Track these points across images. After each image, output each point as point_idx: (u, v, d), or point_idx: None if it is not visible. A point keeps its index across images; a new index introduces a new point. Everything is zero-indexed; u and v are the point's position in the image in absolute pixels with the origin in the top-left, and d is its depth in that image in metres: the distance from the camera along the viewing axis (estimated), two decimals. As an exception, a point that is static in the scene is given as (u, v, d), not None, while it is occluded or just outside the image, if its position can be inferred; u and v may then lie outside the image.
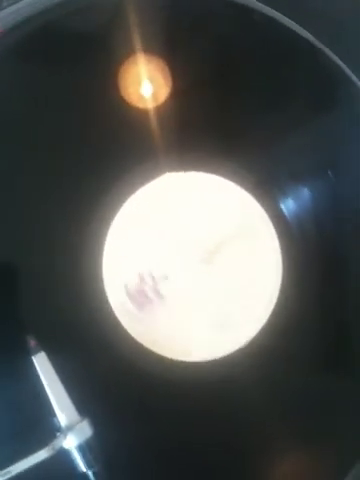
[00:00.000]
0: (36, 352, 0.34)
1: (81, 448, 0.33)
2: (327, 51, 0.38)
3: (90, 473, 0.34)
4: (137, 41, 0.36)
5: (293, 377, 0.39)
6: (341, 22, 0.41)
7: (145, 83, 0.37)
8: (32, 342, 0.34)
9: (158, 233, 0.38)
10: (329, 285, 0.39)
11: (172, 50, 0.37)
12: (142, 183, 0.37)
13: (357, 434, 0.39)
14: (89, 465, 0.33)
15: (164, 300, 0.37)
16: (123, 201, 0.37)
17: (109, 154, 0.37)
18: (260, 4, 0.37)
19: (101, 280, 0.36)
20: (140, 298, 0.37)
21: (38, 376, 0.34)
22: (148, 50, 0.36)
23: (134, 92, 0.37)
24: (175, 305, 0.38)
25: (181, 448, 0.37)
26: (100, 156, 0.37)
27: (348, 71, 0.39)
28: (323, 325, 0.39)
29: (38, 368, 0.34)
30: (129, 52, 0.36)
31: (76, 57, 0.36)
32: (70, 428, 0.33)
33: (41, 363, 0.34)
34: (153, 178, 0.37)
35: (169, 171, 0.38)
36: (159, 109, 0.37)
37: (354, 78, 0.39)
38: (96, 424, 0.34)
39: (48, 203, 0.36)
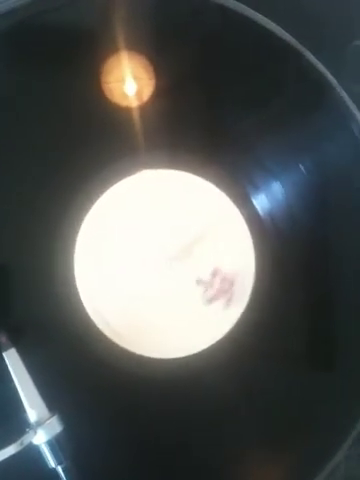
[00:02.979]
0: (7, 348, 0.34)
1: (50, 444, 0.33)
2: (308, 53, 0.38)
3: (59, 469, 0.34)
4: (121, 38, 0.36)
5: (266, 372, 0.39)
6: (322, 24, 0.41)
7: (128, 80, 0.37)
8: (3, 338, 0.34)
9: (131, 229, 0.38)
10: (303, 281, 0.39)
11: (156, 48, 0.36)
12: (118, 179, 0.37)
13: (333, 428, 0.40)
14: (58, 461, 0.34)
15: (136, 297, 0.37)
16: (98, 196, 0.37)
17: (86, 149, 0.36)
18: (243, 6, 0.37)
19: (73, 275, 0.36)
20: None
21: (8, 372, 0.34)
22: (132, 48, 0.36)
23: (117, 89, 0.37)
24: (147, 302, 0.38)
25: (151, 444, 0.37)
26: (77, 151, 0.36)
27: (327, 72, 0.39)
28: (296, 321, 0.39)
29: (8, 364, 0.34)
30: (113, 49, 0.36)
31: (59, 53, 0.35)
32: (40, 424, 0.33)
33: (11, 359, 0.34)
34: (129, 174, 0.37)
35: (145, 168, 0.37)
36: (139, 107, 0.37)
37: (333, 79, 0.39)
38: (66, 420, 0.34)
39: (22, 196, 0.36)
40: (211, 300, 0.38)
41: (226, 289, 0.39)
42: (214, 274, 0.38)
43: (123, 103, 0.37)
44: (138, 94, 0.37)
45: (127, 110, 0.37)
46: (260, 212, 0.39)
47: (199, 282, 0.38)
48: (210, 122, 0.38)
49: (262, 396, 0.39)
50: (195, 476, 0.39)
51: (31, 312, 0.35)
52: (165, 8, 0.37)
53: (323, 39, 0.41)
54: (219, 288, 0.39)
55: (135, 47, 0.36)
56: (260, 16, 0.37)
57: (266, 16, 0.38)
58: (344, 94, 0.40)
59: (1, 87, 0.35)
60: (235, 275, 0.39)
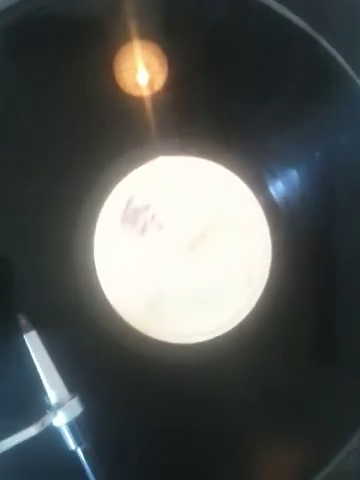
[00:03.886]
0: (27, 330, 0.34)
1: (71, 425, 0.34)
2: (321, 40, 0.39)
3: (79, 450, 0.34)
4: (134, 28, 0.36)
5: (280, 362, 0.39)
6: (335, 11, 0.41)
7: (141, 70, 0.37)
8: (23, 321, 0.34)
9: (150, 215, 0.38)
10: (318, 270, 0.39)
11: (168, 37, 0.37)
12: (135, 166, 0.38)
13: (342, 421, 0.40)
14: (78, 442, 0.34)
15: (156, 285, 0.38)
16: (116, 183, 0.38)
17: (103, 138, 0.37)
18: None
19: (92, 260, 0.37)
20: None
21: (29, 354, 0.34)
22: (145, 37, 0.36)
23: (130, 79, 0.37)
24: (164, 288, 0.38)
25: (169, 427, 0.37)
26: (93, 140, 0.37)
27: (341, 59, 0.39)
28: (313, 310, 0.39)
29: (29, 346, 0.34)
30: (125, 39, 0.36)
31: (72, 43, 0.36)
32: (60, 405, 0.34)
33: (32, 341, 0.34)
34: (146, 162, 0.38)
35: (163, 155, 0.38)
36: (154, 95, 0.37)
37: (347, 66, 0.40)
38: (86, 402, 0.34)
39: (40, 183, 0.36)
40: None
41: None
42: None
43: (136, 92, 0.37)
44: (151, 82, 0.37)
45: (140, 98, 0.37)
46: (276, 198, 0.39)
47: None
48: (225, 109, 0.38)
49: (277, 382, 0.39)
50: (206, 461, 0.39)
51: (51, 295, 0.36)
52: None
53: (339, 30, 0.41)
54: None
55: (147, 36, 0.36)
56: (274, 2, 0.38)
57: (281, 3, 0.38)
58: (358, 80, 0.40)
59: (16, 78, 0.36)
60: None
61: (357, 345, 0.40)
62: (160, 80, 0.38)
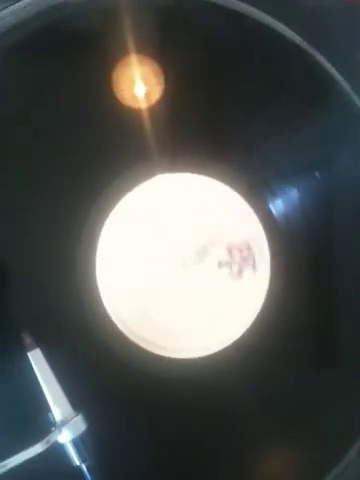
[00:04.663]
0: (31, 348, 0.35)
1: (75, 442, 0.34)
2: (315, 53, 0.39)
3: (84, 467, 0.34)
4: (131, 42, 0.36)
5: (281, 374, 0.40)
6: (328, 24, 0.42)
7: (139, 84, 0.38)
8: (27, 339, 0.35)
9: (149, 233, 0.39)
10: (317, 286, 0.40)
11: (165, 52, 0.37)
12: (134, 184, 0.38)
13: (343, 429, 0.41)
14: (83, 459, 0.34)
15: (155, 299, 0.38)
16: (116, 202, 0.38)
17: (102, 155, 0.37)
18: (250, 7, 0.38)
19: (94, 278, 0.37)
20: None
21: (33, 372, 0.34)
22: (141, 52, 0.37)
23: (128, 93, 0.38)
24: (165, 304, 0.38)
25: (173, 443, 0.38)
26: (93, 157, 0.37)
27: (335, 72, 0.40)
28: (311, 324, 0.40)
29: (33, 364, 0.34)
30: (123, 53, 0.37)
31: (70, 58, 0.36)
32: (65, 423, 0.34)
33: (36, 359, 0.34)
34: (145, 180, 0.38)
35: (161, 173, 0.38)
36: (152, 110, 0.38)
37: (345, 83, 0.40)
38: (90, 419, 0.35)
39: (41, 203, 0.37)
40: (240, 272, 0.39)
41: (247, 256, 0.39)
42: (230, 249, 0.39)
43: (134, 108, 0.38)
44: (147, 98, 0.38)
45: (138, 116, 0.37)
46: (275, 215, 0.40)
47: (221, 264, 0.39)
48: (224, 124, 0.39)
49: (276, 395, 0.40)
50: (213, 473, 0.39)
51: (54, 313, 0.36)
52: (173, 12, 0.37)
53: (334, 45, 0.42)
54: (241, 258, 0.39)
55: (144, 51, 0.37)
56: (268, 17, 0.38)
57: (272, 16, 0.38)
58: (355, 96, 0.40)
59: (12, 94, 0.36)
60: (248, 240, 0.39)
61: (356, 359, 0.40)
62: (157, 94, 0.38)
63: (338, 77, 0.40)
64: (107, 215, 0.38)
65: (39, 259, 0.36)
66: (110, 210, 0.38)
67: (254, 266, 0.39)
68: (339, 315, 0.40)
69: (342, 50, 0.40)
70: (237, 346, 0.39)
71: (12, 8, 0.37)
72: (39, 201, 0.37)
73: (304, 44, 0.39)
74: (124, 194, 0.38)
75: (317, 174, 0.40)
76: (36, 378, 0.34)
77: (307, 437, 0.40)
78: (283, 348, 0.40)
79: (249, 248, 0.39)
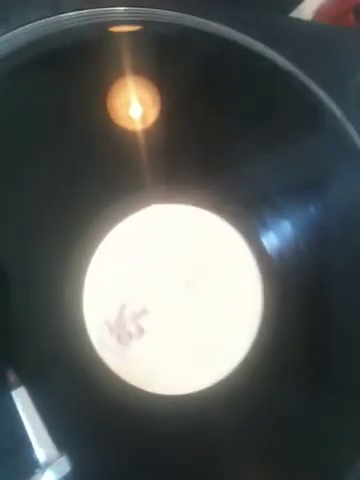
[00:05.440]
0: (16, 387, 0.34)
1: (59, 484, 0.33)
2: (307, 80, 0.39)
3: (68, 508, 0.34)
4: (127, 64, 0.36)
5: (275, 408, 0.39)
6: (319, 48, 0.41)
7: (134, 105, 0.37)
8: (12, 377, 0.34)
9: (140, 265, 0.38)
10: (310, 318, 0.39)
11: (160, 75, 0.37)
12: (127, 214, 0.37)
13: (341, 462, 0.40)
14: (67, 500, 0.34)
15: (144, 334, 0.37)
16: (107, 231, 0.37)
17: (95, 182, 0.36)
18: (244, 36, 0.37)
19: (81, 314, 0.36)
20: (120, 332, 0.37)
21: (17, 411, 0.33)
22: (137, 73, 0.36)
23: (123, 114, 0.37)
24: (155, 338, 0.38)
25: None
26: (86, 183, 0.36)
27: (326, 98, 0.40)
28: (305, 362, 0.39)
29: (17, 403, 0.33)
30: (118, 75, 0.36)
31: (64, 78, 0.35)
32: (48, 464, 0.33)
33: (21, 398, 0.33)
34: (139, 209, 0.37)
35: (155, 203, 0.37)
36: (146, 138, 0.37)
37: (332, 105, 0.40)
38: (75, 459, 0.34)
39: (27, 230, 0.36)
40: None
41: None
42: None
43: (129, 130, 0.37)
44: (143, 120, 0.37)
45: (134, 139, 0.37)
46: (268, 248, 0.39)
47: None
48: (219, 153, 0.38)
49: (270, 430, 0.39)
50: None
51: (39, 350, 0.35)
52: (166, 39, 0.37)
53: (325, 72, 0.41)
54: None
55: (140, 73, 0.36)
56: (260, 45, 0.38)
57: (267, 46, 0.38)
58: (349, 126, 0.40)
59: (7, 115, 0.35)
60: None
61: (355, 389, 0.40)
62: (153, 115, 0.37)
63: (326, 100, 0.39)
64: (96, 245, 0.37)
65: (23, 292, 0.35)
66: (99, 241, 0.37)
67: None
68: (334, 353, 0.40)
69: (333, 75, 0.40)
70: (227, 383, 0.38)
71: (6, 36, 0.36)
72: (23, 229, 0.36)
73: (295, 70, 0.39)
74: (115, 224, 0.37)
75: (311, 207, 0.39)
76: (19, 417, 0.33)
77: (308, 460, 0.40)
78: (275, 385, 0.39)
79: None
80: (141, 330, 0.37)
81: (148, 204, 0.38)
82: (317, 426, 0.40)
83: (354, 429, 0.40)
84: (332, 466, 0.40)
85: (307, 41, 0.41)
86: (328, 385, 0.40)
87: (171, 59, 0.37)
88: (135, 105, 0.38)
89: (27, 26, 0.34)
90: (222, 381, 0.38)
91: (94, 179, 0.37)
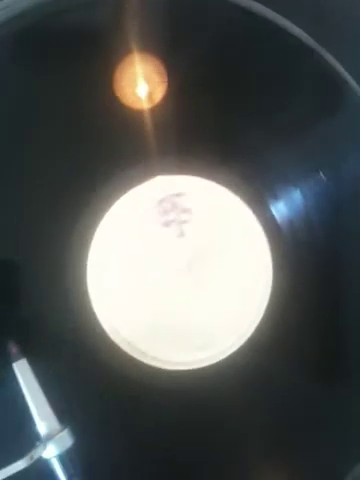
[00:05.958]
0: (17, 359, 0.33)
1: (61, 458, 0.33)
2: (325, 53, 0.37)
3: (70, 483, 0.33)
4: (134, 40, 0.35)
5: (279, 389, 0.38)
6: (338, 22, 0.40)
7: (141, 83, 0.36)
8: (13, 348, 0.33)
9: (146, 237, 0.37)
10: (322, 296, 0.38)
11: (170, 51, 0.36)
12: (133, 185, 0.36)
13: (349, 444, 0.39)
14: (69, 475, 0.33)
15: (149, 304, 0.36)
16: (112, 202, 0.36)
17: (100, 154, 0.36)
18: (260, 5, 0.36)
19: (85, 284, 0.35)
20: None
21: (18, 383, 0.33)
22: (145, 50, 0.35)
23: (130, 92, 0.36)
24: (162, 311, 0.37)
25: (163, 458, 0.36)
26: (91, 156, 0.36)
27: (345, 74, 0.38)
28: (315, 335, 0.38)
29: (19, 375, 0.33)
30: (126, 51, 0.35)
31: (70, 55, 0.35)
32: (50, 437, 0.32)
33: (22, 370, 0.33)
34: (144, 180, 0.36)
35: (161, 174, 0.36)
36: (154, 110, 0.36)
37: (352, 81, 0.38)
38: (78, 433, 0.33)
39: (34, 201, 0.35)
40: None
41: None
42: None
43: (135, 106, 0.36)
44: (150, 97, 0.36)
45: (140, 114, 0.36)
46: (278, 219, 0.38)
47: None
48: (225, 125, 0.37)
49: (279, 406, 0.38)
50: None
51: (42, 321, 0.35)
52: (178, 9, 0.36)
53: (343, 44, 0.40)
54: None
55: (147, 49, 0.35)
56: (278, 16, 0.36)
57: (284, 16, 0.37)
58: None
59: (11, 91, 0.35)
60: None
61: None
62: (159, 93, 0.36)
63: (345, 76, 0.38)
64: (101, 216, 0.36)
65: (26, 263, 0.34)
66: (105, 211, 0.36)
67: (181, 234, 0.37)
68: (344, 325, 0.38)
69: (352, 50, 0.38)
70: (236, 357, 0.37)
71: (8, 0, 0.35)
72: (31, 201, 0.35)
73: (313, 43, 0.37)
74: (121, 195, 0.36)
75: (322, 175, 0.38)
76: (21, 390, 0.33)
77: (308, 454, 0.39)
78: (284, 362, 0.38)
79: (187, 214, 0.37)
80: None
81: (154, 175, 0.37)
82: (323, 411, 0.39)
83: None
84: (335, 455, 0.39)
85: (326, 12, 0.39)
86: (338, 367, 0.38)
87: (181, 32, 0.36)
88: (142, 81, 0.37)
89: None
90: (229, 357, 0.37)
91: (99, 152, 0.36)
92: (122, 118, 0.35)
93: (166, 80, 0.36)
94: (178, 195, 0.37)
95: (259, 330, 0.37)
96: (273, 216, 0.38)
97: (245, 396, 0.37)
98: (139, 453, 0.36)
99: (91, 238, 0.36)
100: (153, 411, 0.35)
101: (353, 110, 0.38)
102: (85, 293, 0.35)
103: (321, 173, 0.37)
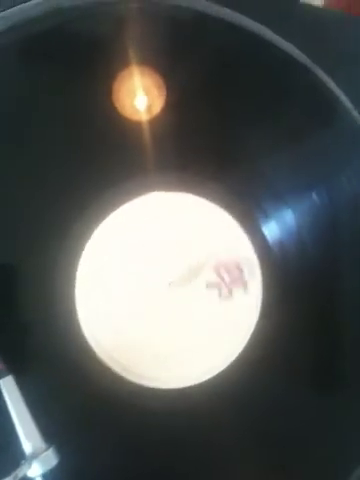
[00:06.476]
0: (3, 375, 0.32)
1: (45, 477, 0.32)
2: (319, 71, 0.37)
3: (54, 502, 0.33)
4: (134, 53, 0.35)
5: (273, 402, 0.38)
6: (330, 38, 0.40)
7: (140, 96, 0.36)
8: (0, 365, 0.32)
9: (137, 252, 0.36)
10: (311, 313, 0.38)
11: (169, 64, 0.36)
12: (127, 200, 0.36)
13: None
14: (54, 494, 0.32)
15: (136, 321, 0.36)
16: (105, 216, 0.36)
17: (96, 166, 0.35)
18: (257, 24, 0.36)
19: (73, 300, 0.35)
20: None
21: (3, 400, 0.32)
22: (145, 63, 0.35)
23: (128, 104, 0.36)
24: (150, 328, 0.36)
25: (149, 475, 0.36)
26: (87, 168, 0.35)
27: (339, 91, 0.38)
28: (305, 352, 0.38)
29: (5, 392, 0.32)
30: (125, 64, 0.35)
31: (70, 66, 0.35)
32: (35, 456, 0.32)
33: (8, 387, 0.32)
34: (138, 196, 0.36)
35: (156, 190, 0.36)
36: (150, 125, 0.36)
37: (345, 100, 0.38)
38: (63, 453, 0.33)
39: (26, 213, 0.35)
40: (230, 293, 0.37)
41: (237, 276, 0.37)
42: (219, 270, 0.37)
43: (134, 119, 0.36)
44: (149, 110, 0.36)
45: (138, 128, 0.36)
46: (269, 239, 0.38)
47: (209, 285, 0.37)
48: (222, 143, 0.37)
49: (272, 422, 0.38)
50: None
51: (29, 338, 0.34)
52: (177, 24, 0.36)
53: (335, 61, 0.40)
54: (230, 278, 0.37)
55: (147, 62, 0.35)
56: (273, 34, 0.36)
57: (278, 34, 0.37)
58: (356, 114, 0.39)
59: (10, 99, 0.34)
60: (237, 259, 0.37)
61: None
62: (158, 106, 0.36)
63: (339, 94, 0.38)
64: (92, 230, 0.36)
65: (13, 278, 0.34)
66: (97, 224, 0.36)
67: (245, 286, 0.37)
68: (334, 342, 0.39)
69: (344, 66, 0.38)
70: (225, 377, 0.37)
71: (9, 11, 0.35)
72: (22, 211, 0.35)
73: (306, 60, 0.37)
74: (114, 209, 0.36)
75: (314, 195, 0.38)
76: (6, 407, 0.32)
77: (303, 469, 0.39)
78: (274, 379, 0.38)
79: (239, 268, 0.37)
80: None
81: (148, 191, 0.36)
82: (317, 422, 0.39)
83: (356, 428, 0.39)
84: (333, 465, 0.39)
85: (317, 28, 0.39)
86: (330, 380, 0.38)
87: (181, 47, 0.36)
88: (141, 93, 0.36)
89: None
90: (220, 375, 0.37)
91: (95, 164, 0.35)
92: (121, 133, 0.35)
93: (164, 94, 0.36)
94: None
95: (247, 350, 0.37)
96: (264, 235, 0.38)
97: (232, 414, 0.37)
98: (124, 471, 0.35)
99: (81, 251, 0.35)
100: (139, 430, 0.35)
101: (345, 128, 0.38)
102: (73, 309, 0.35)
103: (313, 193, 0.38)
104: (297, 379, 0.38)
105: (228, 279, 0.37)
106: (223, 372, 0.37)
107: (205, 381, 0.37)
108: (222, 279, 0.37)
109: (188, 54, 0.36)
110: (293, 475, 0.39)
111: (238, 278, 0.38)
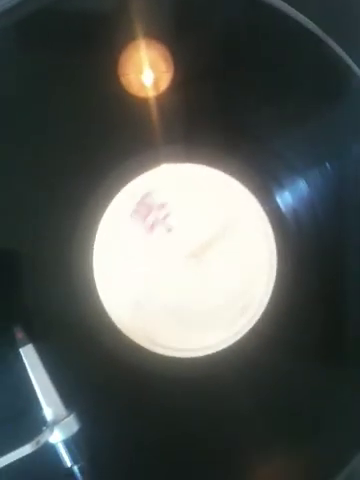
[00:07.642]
0: (24, 344, 0.33)
1: (67, 443, 0.33)
2: (331, 42, 0.37)
3: (76, 468, 0.33)
4: (139, 28, 0.35)
5: (285, 374, 0.38)
6: (345, 11, 0.40)
7: (146, 70, 0.36)
8: (19, 334, 0.33)
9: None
10: (325, 283, 0.38)
11: (176, 38, 0.35)
12: (138, 173, 0.36)
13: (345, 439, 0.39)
14: (75, 460, 0.33)
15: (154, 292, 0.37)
16: (118, 190, 0.36)
17: (106, 142, 0.36)
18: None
19: (91, 271, 0.35)
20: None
21: (25, 369, 0.33)
22: (151, 37, 0.35)
23: (135, 79, 0.36)
24: (167, 298, 0.37)
25: (169, 445, 0.36)
26: (96, 144, 0.35)
27: (351, 62, 0.38)
28: (319, 323, 0.38)
29: (25, 361, 0.33)
30: (132, 38, 0.35)
31: (76, 41, 0.34)
32: (56, 422, 0.33)
33: (28, 355, 0.33)
34: (149, 169, 0.36)
35: (166, 162, 0.36)
36: (158, 97, 0.36)
37: (356, 69, 0.38)
38: (84, 419, 0.33)
39: (40, 190, 0.35)
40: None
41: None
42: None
43: (141, 94, 0.36)
44: (156, 85, 0.36)
45: (145, 102, 0.36)
46: (282, 207, 0.38)
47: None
48: (231, 114, 0.37)
49: (281, 394, 0.38)
50: (211, 475, 0.38)
51: (48, 307, 0.35)
52: None
53: (349, 33, 0.40)
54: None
55: (153, 36, 0.35)
56: (283, 4, 0.36)
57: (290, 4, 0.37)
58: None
59: (18, 78, 0.35)
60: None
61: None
62: (165, 81, 0.36)
63: (351, 64, 0.38)
64: (107, 204, 0.36)
65: (33, 250, 0.34)
66: (110, 199, 0.36)
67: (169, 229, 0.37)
68: (348, 313, 0.39)
69: (353, 36, 0.38)
70: (239, 346, 0.37)
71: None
72: (37, 189, 0.35)
73: (319, 32, 0.37)
74: (126, 183, 0.36)
75: (328, 165, 0.38)
76: (27, 375, 0.33)
77: (309, 442, 0.39)
78: (288, 348, 0.38)
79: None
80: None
81: (159, 163, 0.37)
82: (327, 396, 0.39)
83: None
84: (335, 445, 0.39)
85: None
86: (343, 354, 0.38)
87: (189, 19, 0.36)
88: (148, 65, 0.37)
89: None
90: (234, 345, 0.37)
91: (104, 140, 0.36)
92: (127, 106, 0.35)
93: (172, 68, 0.36)
94: (147, 195, 0.37)
95: (263, 318, 0.37)
96: (278, 205, 0.38)
97: (247, 384, 0.37)
98: (144, 439, 0.36)
99: (97, 225, 0.36)
100: (158, 398, 0.36)
101: (358, 98, 0.38)
102: (91, 280, 0.35)
103: (327, 164, 0.38)
104: (311, 351, 0.39)
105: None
106: (238, 342, 0.37)
107: (220, 350, 0.37)
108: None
109: (196, 26, 0.36)
110: (303, 448, 0.39)
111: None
